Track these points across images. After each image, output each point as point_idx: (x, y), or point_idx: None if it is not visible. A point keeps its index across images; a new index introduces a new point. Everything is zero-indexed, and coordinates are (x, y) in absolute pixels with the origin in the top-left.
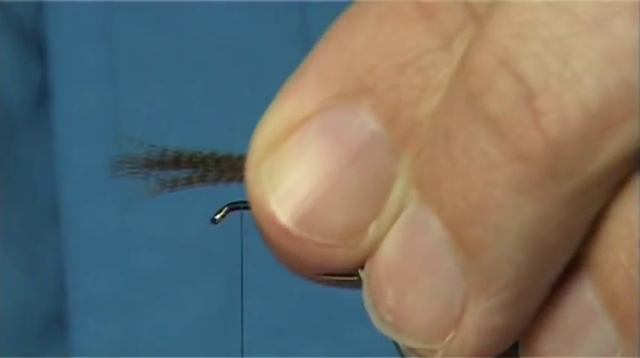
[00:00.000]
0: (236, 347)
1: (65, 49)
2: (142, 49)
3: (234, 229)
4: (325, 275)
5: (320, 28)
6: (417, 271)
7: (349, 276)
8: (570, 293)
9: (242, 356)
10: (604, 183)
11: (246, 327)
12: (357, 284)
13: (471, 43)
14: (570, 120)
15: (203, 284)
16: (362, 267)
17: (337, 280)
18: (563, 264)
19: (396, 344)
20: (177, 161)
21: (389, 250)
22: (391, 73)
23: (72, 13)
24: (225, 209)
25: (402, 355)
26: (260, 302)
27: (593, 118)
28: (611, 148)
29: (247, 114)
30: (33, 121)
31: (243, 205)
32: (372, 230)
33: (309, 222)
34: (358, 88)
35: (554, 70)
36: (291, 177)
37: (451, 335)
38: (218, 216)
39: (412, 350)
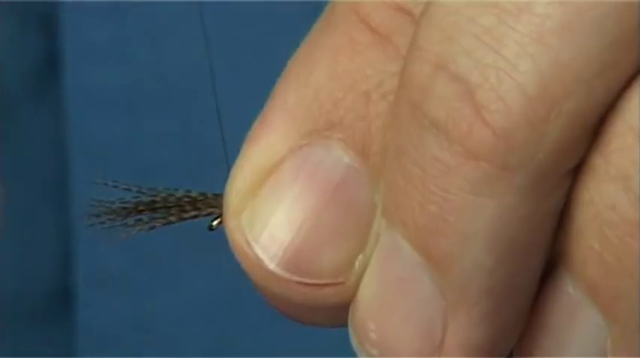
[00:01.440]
0: (243, 326)
1: (74, 22)
2: (154, 22)
3: None
4: None
5: None
6: (393, 298)
7: None
8: (550, 291)
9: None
10: (558, 166)
11: (254, 309)
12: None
13: (406, 57)
14: (512, 108)
15: (210, 263)
16: None
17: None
18: (539, 264)
19: None
20: (153, 204)
21: (367, 283)
22: (356, 103)
23: None
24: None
25: None
26: None
27: (533, 102)
28: (557, 128)
29: (254, 99)
30: (37, 95)
31: None
32: (357, 264)
33: (296, 264)
34: (326, 123)
35: (489, 61)
36: (272, 223)
37: None
38: (215, 223)
39: None
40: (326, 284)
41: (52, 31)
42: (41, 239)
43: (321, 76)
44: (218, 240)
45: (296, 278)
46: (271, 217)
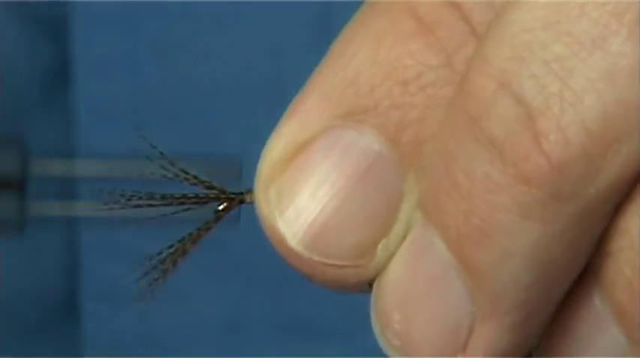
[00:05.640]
0: (248, 342)
1: (84, 33)
2: (162, 35)
3: (250, 227)
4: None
5: (340, 27)
6: (423, 294)
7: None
8: (579, 299)
9: None
10: (608, 202)
11: (257, 327)
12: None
13: (470, 65)
14: (571, 140)
15: (217, 279)
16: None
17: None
18: (572, 280)
19: None
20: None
21: (395, 272)
22: (393, 91)
23: None
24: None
25: None
26: (272, 302)
27: (594, 138)
28: (613, 167)
29: (265, 102)
30: (46, 104)
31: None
32: (380, 249)
33: (317, 244)
34: (361, 108)
35: (554, 90)
36: (299, 199)
37: None
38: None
39: None
40: (344, 266)
41: (62, 40)
42: (47, 252)
43: (362, 60)
44: (223, 259)
45: (316, 257)
46: (299, 193)
